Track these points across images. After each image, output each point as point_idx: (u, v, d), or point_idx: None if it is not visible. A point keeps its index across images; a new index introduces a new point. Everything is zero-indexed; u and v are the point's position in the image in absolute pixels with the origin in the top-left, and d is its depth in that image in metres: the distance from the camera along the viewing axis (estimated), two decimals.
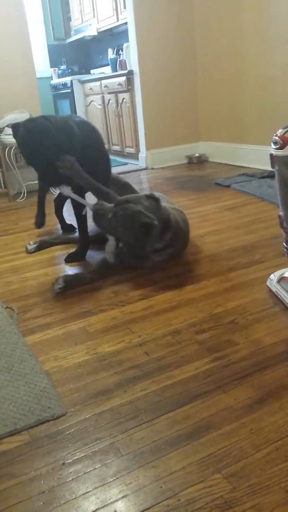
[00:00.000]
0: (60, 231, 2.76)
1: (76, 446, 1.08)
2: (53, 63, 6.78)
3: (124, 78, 4.58)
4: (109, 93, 5.03)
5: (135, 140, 4.74)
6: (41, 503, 0.94)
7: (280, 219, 1.56)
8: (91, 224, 2.11)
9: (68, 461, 1.04)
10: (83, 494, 0.95)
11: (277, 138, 1.43)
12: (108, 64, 5.67)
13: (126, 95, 4.67)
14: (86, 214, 2.22)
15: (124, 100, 4.73)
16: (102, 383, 1.30)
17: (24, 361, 1.42)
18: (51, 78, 6.64)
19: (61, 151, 2.02)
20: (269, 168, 1.55)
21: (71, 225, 2.71)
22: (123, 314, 1.69)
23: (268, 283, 1.76)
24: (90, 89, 5.53)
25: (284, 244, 1.62)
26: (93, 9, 5.72)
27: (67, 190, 2.13)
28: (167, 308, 1.70)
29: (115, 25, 5.35)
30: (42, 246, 2.51)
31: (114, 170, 4.59)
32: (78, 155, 2.06)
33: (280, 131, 1.44)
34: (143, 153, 4.65)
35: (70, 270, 2.18)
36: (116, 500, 0.93)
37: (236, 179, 3.56)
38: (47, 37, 6.74)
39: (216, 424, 1.10)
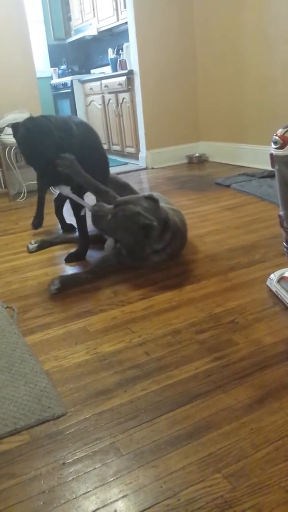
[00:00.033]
0: (61, 231, 2.76)
1: (76, 446, 1.08)
2: (53, 63, 6.78)
3: (124, 78, 4.59)
4: (109, 93, 5.03)
5: (135, 140, 4.74)
6: (41, 503, 0.94)
7: (280, 219, 1.56)
8: (90, 224, 2.11)
9: (68, 461, 1.04)
10: (83, 493, 0.95)
11: (277, 137, 1.43)
12: (108, 64, 5.67)
13: (126, 95, 4.67)
14: (85, 215, 2.22)
15: (124, 100, 4.73)
16: (102, 383, 1.30)
17: (24, 361, 1.42)
18: (51, 78, 6.64)
19: (61, 151, 2.03)
20: (269, 167, 1.55)
21: (71, 225, 2.72)
22: (123, 314, 1.69)
23: (268, 283, 1.76)
24: (90, 89, 5.53)
25: (284, 243, 1.62)
26: (93, 9, 5.72)
27: (66, 190, 2.13)
28: (167, 308, 1.70)
29: (115, 25, 5.35)
30: (43, 245, 2.51)
31: (115, 170, 4.61)
32: (77, 155, 2.06)
33: (280, 131, 1.44)
34: (143, 153, 4.65)
35: (71, 270, 2.18)
36: (116, 500, 0.93)
37: (236, 179, 3.56)
38: (47, 37, 6.74)
39: (216, 424, 1.10)
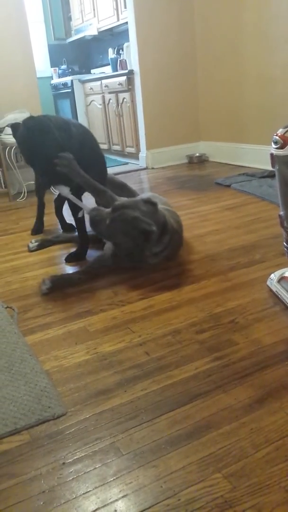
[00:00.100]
0: (61, 231, 2.77)
1: (76, 446, 1.08)
2: (54, 63, 6.78)
3: (124, 77, 4.59)
4: (110, 92, 5.03)
5: (135, 139, 4.74)
6: (42, 503, 0.94)
7: (280, 219, 1.56)
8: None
9: (69, 461, 1.04)
10: (83, 493, 0.95)
11: (277, 137, 1.43)
12: (109, 64, 5.67)
13: (126, 95, 4.67)
14: (84, 216, 2.22)
15: (125, 99, 4.73)
16: (103, 383, 1.30)
17: (25, 361, 1.42)
18: (51, 77, 6.64)
19: (61, 150, 2.03)
20: (270, 167, 1.55)
21: (71, 225, 2.72)
22: (124, 313, 1.69)
23: (268, 282, 1.76)
24: (91, 88, 5.53)
25: (285, 243, 1.62)
26: (94, 9, 5.72)
27: (65, 191, 2.13)
28: (167, 307, 1.70)
29: (116, 24, 5.35)
30: (43, 244, 2.51)
31: (115, 169, 4.62)
32: (76, 155, 2.06)
33: (280, 131, 1.44)
34: (143, 153, 4.65)
35: (71, 270, 2.18)
36: (117, 500, 0.93)
37: (236, 178, 3.56)
38: (47, 37, 6.74)
39: (216, 423, 1.10)
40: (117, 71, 5.06)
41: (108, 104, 5.17)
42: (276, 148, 1.44)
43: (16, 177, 3.84)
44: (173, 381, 1.27)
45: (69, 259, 2.26)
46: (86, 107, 5.80)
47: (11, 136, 3.38)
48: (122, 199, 2.08)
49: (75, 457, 1.05)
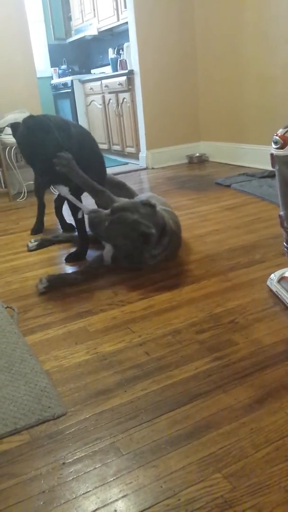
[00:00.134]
0: (61, 231, 2.77)
1: (76, 446, 1.08)
2: (54, 63, 6.78)
3: (124, 77, 4.59)
4: (110, 92, 5.03)
5: (135, 139, 4.74)
6: (42, 503, 0.94)
7: (280, 219, 1.56)
8: None
9: (69, 461, 1.04)
10: (83, 493, 0.95)
11: (277, 137, 1.43)
12: (109, 64, 5.67)
13: (126, 95, 4.67)
14: (83, 216, 2.22)
15: (125, 99, 4.73)
16: (103, 383, 1.30)
17: (25, 361, 1.42)
18: (51, 77, 6.64)
19: (61, 150, 2.03)
20: (270, 167, 1.55)
21: (71, 225, 2.72)
22: (124, 313, 1.69)
23: (268, 282, 1.76)
24: (91, 88, 5.53)
25: (285, 243, 1.62)
26: (94, 9, 5.72)
27: (64, 190, 2.13)
28: (167, 308, 1.70)
29: (116, 24, 5.35)
30: (43, 244, 2.51)
31: (115, 169, 4.62)
32: (75, 155, 2.06)
33: (280, 131, 1.44)
34: (143, 153, 4.65)
35: (70, 269, 2.18)
36: (116, 500, 0.93)
37: (236, 178, 3.56)
38: (47, 37, 6.74)
39: (216, 423, 1.10)
40: (117, 71, 5.06)
41: (108, 104, 5.17)
42: (276, 148, 1.44)
43: (16, 177, 3.84)
44: (173, 381, 1.27)
45: (69, 259, 2.26)
46: (86, 107, 5.80)
47: (11, 136, 3.38)
48: (121, 200, 2.07)
49: (75, 457, 1.05)
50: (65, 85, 6.05)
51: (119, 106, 4.89)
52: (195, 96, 4.59)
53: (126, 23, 4.52)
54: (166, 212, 2.14)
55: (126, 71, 4.54)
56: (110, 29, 5.67)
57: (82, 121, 5.84)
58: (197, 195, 3.29)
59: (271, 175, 3.46)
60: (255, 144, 3.95)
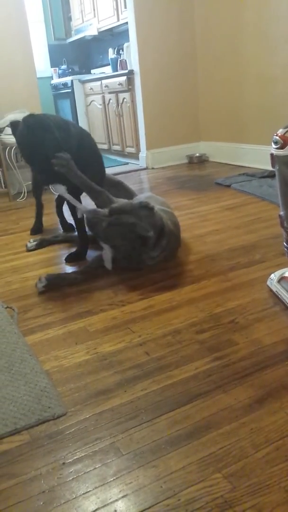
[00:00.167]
0: (61, 230, 2.77)
1: (76, 446, 1.08)
2: (54, 63, 6.78)
3: (124, 77, 4.59)
4: (110, 92, 5.03)
5: (135, 139, 4.74)
6: (41, 503, 0.94)
7: (280, 219, 1.56)
8: None
9: (68, 461, 1.04)
10: (83, 493, 0.95)
11: (277, 137, 1.43)
12: (109, 64, 5.67)
13: (126, 95, 4.67)
14: (83, 216, 2.22)
15: (125, 99, 4.73)
16: (103, 383, 1.30)
17: (25, 361, 1.42)
18: (51, 78, 6.64)
19: (60, 149, 2.03)
20: (270, 167, 1.55)
21: (71, 225, 2.72)
22: (124, 313, 1.69)
23: (268, 282, 1.76)
24: (91, 89, 5.53)
25: (285, 243, 1.62)
26: (94, 9, 5.72)
27: (61, 189, 2.13)
28: (167, 308, 1.70)
29: (116, 25, 5.35)
30: (42, 244, 2.51)
31: (115, 170, 4.62)
32: (74, 155, 2.06)
33: (280, 131, 1.44)
34: (143, 153, 4.65)
35: (70, 269, 2.18)
36: (116, 500, 0.93)
37: (236, 178, 3.56)
38: (47, 37, 6.73)
39: (216, 423, 1.10)
40: (117, 71, 5.06)
41: (108, 104, 5.17)
42: (276, 148, 1.44)
43: (16, 177, 3.84)
44: (173, 381, 1.27)
45: (69, 259, 2.26)
46: (86, 107, 5.80)
47: (11, 136, 3.38)
48: (120, 201, 2.07)
49: (75, 457, 1.05)
50: (65, 85, 6.05)
51: (119, 106, 4.89)
52: (195, 96, 4.59)
53: (126, 23, 4.52)
54: (165, 212, 2.14)
55: (126, 71, 4.54)
56: (110, 29, 5.67)
57: (82, 121, 5.84)
58: (197, 195, 3.29)
59: (271, 175, 3.46)
60: (255, 144, 3.95)
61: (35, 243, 2.50)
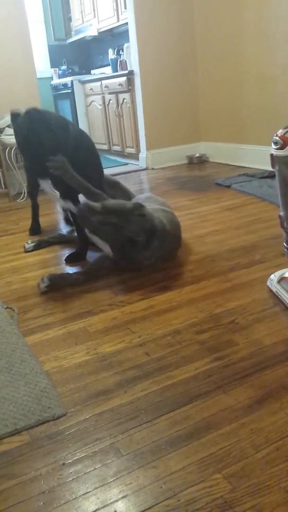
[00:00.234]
0: (60, 231, 2.77)
1: (76, 446, 1.08)
2: (54, 64, 6.78)
3: (124, 78, 4.59)
4: (110, 93, 5.03)
5: (135, 140, 4.74)
6: (41, 503, 0.94)
7: (280, 219, 1.56)
8: None
9: (68, 461, 1.04)
10: (83, 494, 0.95)
11: (277, 138, 1.43)
12: (109, 65, 5.67)
13: (126, 95, 4.67)
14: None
15: (125, 100, 4.73)
16: (103, 383, 1.30)
17: (25, 361, 1.42)
18: (51, 78, 6.65)
19: (57, 145, 2.03)
20: (270, 168, 1.55)
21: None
22: (124, 314, 1.69)
23: (268, 283, 1.76)
24: (91, 89, 5.53)
25: (285, 244, 1.62)
26: (94, 10, 5.72)
27: (47, 186, 2.13)
28: (167, 308, 1.70)
29: (116, 25, 5.35)
30: (40, 245, 2.51)
31: (115, 170, 4.62)
32: (72, 154, 2.06)
33: (280, 131, 1.44)
34: (143, 153, 4.65)
35: (71, 270, 2.18)
36: (116, 500, 0.93)
37: (236, 179, 3.56)
38: (47, 37, 6.74)
39: (216, 424, 1.10)
40: (117, 71, 5.06)
41: (108, 104, 5.17)
42: (276, 149, 1.44)
43: (16, 178, 3.84)
44: (173, 382, 1.27)
45: (69, 260, 2.26)
46: (86, 108, 5.80)
47: (12, 137, 3.38)
48: (116, 200, 2.07)
49: (75, 458, 1.05)
50: (65, 85, 6.05)
51: (119, 107, 4.89)
52: (195, 97, 4.59)
53: (126, 23, 4.52)
54: (165, 212, 2.13)
55: (126, 71, 4.54)
56: (110, 30, 5.67)
57: (82, 122, 5.84)
58: (197, 196, 3.29)
59: (271, 175, 3.46)
60: (255, 145, 3.95)
61: (33, 244, 2.49)
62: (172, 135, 4.61)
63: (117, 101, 4.89)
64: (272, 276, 1.75)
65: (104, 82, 5.09)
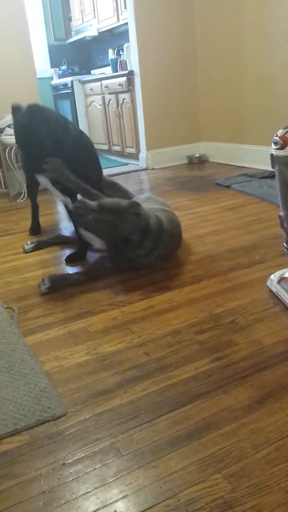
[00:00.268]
0: (60, 231, 2.77)
1: (76, 446, 1.08)
2: (54, 64, 6.78)
3: (124, 78, 4.59)
4: (110, 93, 5.03)
5: (135, 140, 4.74)
6: (41, 503, 0.94)
7: (280, 220, 1.56)
8: None
9: (68, 461, 1.04)
10: (83, 494, 0.95)
11: (277, 138, 1.43)
12: (109, 65, 5.67)
13: (126, 96, 4.67)
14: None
15: (125, 100, 4.73)
16: (103, 383, 1.30)
17: (25, 361, 1.42)
18: (51, 78, 6.65)
19: (56, 141, 2.03)
20: (270, 168, 1.55)
21: None
22: (124, 314, 1.69)
23: (268, 283, 1.76)
24: (91, 89, 5.53)
25: (285, 244, 1.62)
26: (94, 10, 5.72)
27: (44, 180, 2.13)
28: (167, 308, 1.70)
29: (116, 25, 5.35)
30: (39, 245, 2.51)
31: (115, 170, 4.62)
32: (69, 153, 2.06)
33: (280, 132, 1.44)
34: (143, 153, 4.65)
35: (71, 270, 2.18)
36: (116, 500, 0.93)
37: (236, 179, 3.56)
38: (47, 37, 6.74)
39: (216, 424, 1.10)
40: (117, 71, 5.06)
41: (108, 104, 5.17)
42: (276, 149, 1.44)
43: (16, 178, 3.84)
44: (173, 382, 1.27)
45: (69, 260, 2.26)
46: (86, 108, 5.80)
47: (12, 137, 3.38)
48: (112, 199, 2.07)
49: (75, 458, 1.05)
50: (65, 85, 6.05)
51: (119, 107, 4.89)
52: (195, 97, 4.59)
53: (126, 23, 4.52)
54: (164, 211, 2.13)
55: (126, 71, 4.54)
56: (110, 30, 5.67)
57: (82, 122, 5.84)
58: (197, 196, 3.29)
59: (271, 175, 3.46)
60: (255, 145, 3.95)
61: (32, 245, 2.49)
62: (172, 135, 4.61)
63: (117, 101, 4.89)
64: (272, 276, 1.75)
65: (104, 82, 5.09)
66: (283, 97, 3.53)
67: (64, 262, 2.27)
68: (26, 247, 2.49)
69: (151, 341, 1.49)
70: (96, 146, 2.37)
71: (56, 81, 6.45)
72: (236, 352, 1.38)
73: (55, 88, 6.41)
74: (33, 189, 2.79)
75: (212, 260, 2.10)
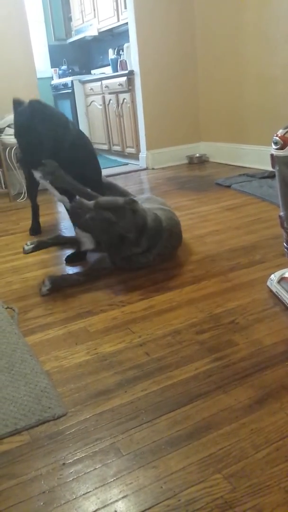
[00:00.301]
0: (60, 231, 2.77)
1: (76, 446, 1.08)
2: (54, 63, 6.78)
3: (124, 78, 4.59)
4: (110, 93, 5.03)
5: (135, 140, 4.74)
6: (42, 503, 0.94)
7: (280, 220, 1.56)
8: None
9: (69, 461, 1.04)
10: (83, 494, 0.95)
11: (277, 138, 1.43)
12: (109, 64, 5.67)
13: (126, 95, 4.67)
14: None
15: (125, 100, 4.73)
16: (103, 383, 1.30)
17: (25, 361, 1.42)
18: (51, 78, 6.65)
19: (55, 138, 2.04)
20: (270, 168, 1.55)
21: None
22: (124, 314, 1.69)
23: (268, 283, 1.76)
24: (91, 89, 5.53)
25: (285, 244, 1.62)
26: (94, 9, 5.72)
27: (39, 176, 2.14)
28: (167, 308, 1.70)
29: (116, 25, 5.35)
30: (39, 246, 2.50)
31: (115, 170, 4.62)
32: (69, 154, 2.07)
33: (280, 132, 1.44)
34: (143, 153, 4.65)
35: (71, 270, 2.18)
36: (117, 500, 0.93)
37: (236, 179, 3.56)
38: (47, 37, 6.74)
39: (217, 424, 1.10)
40: (117, 71, 5.06)
41: (108, 104, 5.17)
42: (276, 149, 1.44)
43: (17, 178, 3.84)
44: (173, 382, 1.27)
45: (69, 260, 2.26)
46: (86, 108, 5.80)
47: (12, 137, 3.38)
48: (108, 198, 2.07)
49: (75, 458, 1.05)
50: (65, 85, 6.05)
51: (119, 107, 4.89)
52: (195, 96, 4.59)
53: (126, 23, 4.52)
54: (164, 211, 2.14)
55: (126, 71, 4.54)
56: (110, 30, 5.67)
57: (82, 122, 5.84)
58: (197, 196, 3.29)
59: (271, 175, 3.46)
60: (255, 145, 3.95)
61: (32, 245, 2.49)
62: (172, 135, 4.61)
63: (117, 101, 4.89)
64: (272, 276, 1.75)
65: (104, 82, 5.09)
66: (283, 97, 3.53)
67: (64, 262, 2.27)
68: (26, 247, 2.48)
69: (151, 341, 1.49)
70: (96, 146, 2.37)
71: (56, 81, 6.45)
72: (236, 352, 1.38)
73: (55, 88, 6.41)
74: (33, 189, 2.79)
75: (212, 260, 2.10)
